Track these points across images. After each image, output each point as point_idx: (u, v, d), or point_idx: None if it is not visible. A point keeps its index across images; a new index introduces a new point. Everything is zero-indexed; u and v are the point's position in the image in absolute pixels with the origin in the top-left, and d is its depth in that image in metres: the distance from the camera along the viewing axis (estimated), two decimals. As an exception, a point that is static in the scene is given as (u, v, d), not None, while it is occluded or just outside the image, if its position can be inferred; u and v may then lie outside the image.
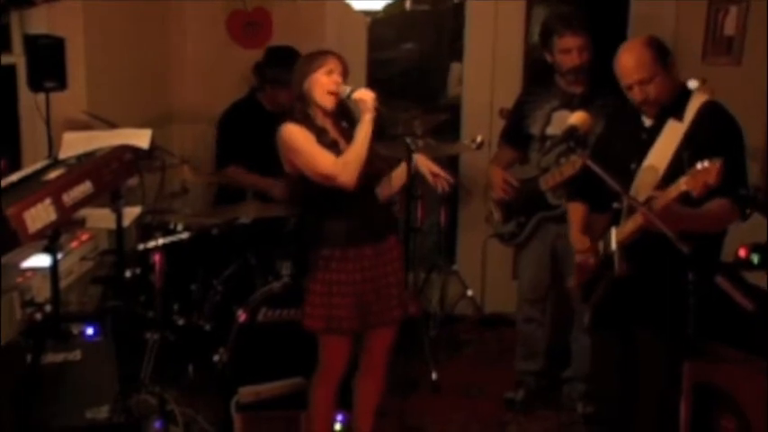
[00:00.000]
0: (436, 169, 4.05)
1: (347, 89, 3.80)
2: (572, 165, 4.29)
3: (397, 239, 4.04)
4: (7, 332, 3.22)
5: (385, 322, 3.96)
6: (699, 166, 3.14)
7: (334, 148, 3.82)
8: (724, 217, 3.50)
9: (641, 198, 3.43)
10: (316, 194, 3.86)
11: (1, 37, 5.02)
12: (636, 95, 3.58)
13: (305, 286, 4.02)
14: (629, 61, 3.58)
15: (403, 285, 4.05)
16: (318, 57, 3.87)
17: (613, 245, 3.58)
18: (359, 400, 4.16)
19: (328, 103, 3.82)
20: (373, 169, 3.94)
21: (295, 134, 3.81)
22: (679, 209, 3.24)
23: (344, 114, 3.95)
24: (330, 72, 3.81)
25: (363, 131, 3.77)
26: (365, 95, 3.76)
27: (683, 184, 3.18)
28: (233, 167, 5.35)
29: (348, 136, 3.88)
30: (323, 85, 3.80)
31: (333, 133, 3.89)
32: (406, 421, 4.04)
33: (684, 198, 3.25)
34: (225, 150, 5.46)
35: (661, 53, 3.57)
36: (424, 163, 4.06)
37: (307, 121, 3.84)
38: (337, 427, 4.29)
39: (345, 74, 3.86)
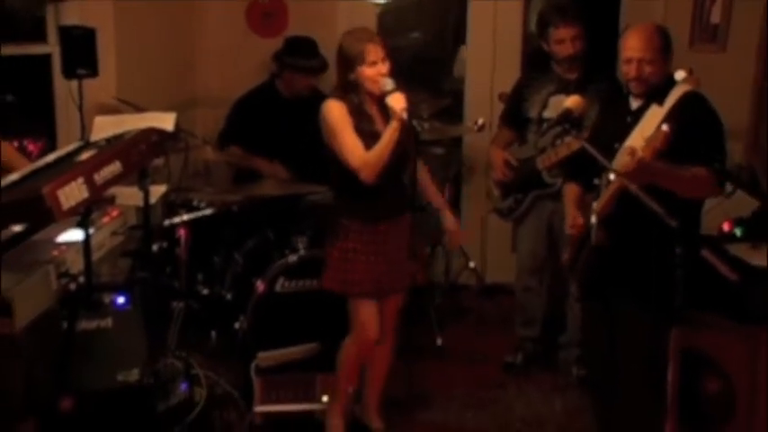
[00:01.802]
0: (455, 230, 4.17)
1: (388, 85, 3.73)
2: (567, 146, 4.28)
3: (409, 216, 4.03)
4: (45, 302, 3.24)
5: (396, 290, 3.98)
6: (652, 134, 3.17)
7: (374, 138, 3.77)
8: (698, 181, 3.48)
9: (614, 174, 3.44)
10: (346, 172, 3.82)
11: (37, 28, 5.03)
12: (631, 70, 3.58)
13: (325, 252, 4.05)
14: (639, 39, 3.58)
15: (412, 255, 4.04)
16: (360, 48, 3.77)
17: (592, 219, 3.60)
18: (370, 364, 4.17)
19: (377, 89, 3.77)
20: (400, 154, 3.87)
21: (335, 114, 3.80)
22: (652, 163, 3.23)
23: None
24: (373, 63, 3.74)
25: (389, 137, 3.71)
26: (396, 104, 3.68)
27: (639, 151, 3.20)
28: (234, 147, 5.36)
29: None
30: (368, 77, 3.75)
31: (378, 122, 3.85)
32: (413, 384, 4.06)
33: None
34: (231, 130, 5.47)
35: (667, 43, 3.60)
36: (450, 219, 4.15)
37: (351, 103, 3.80)
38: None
39: (386, 54, 3.79)
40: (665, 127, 3.16)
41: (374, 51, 3.75)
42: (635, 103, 3.67)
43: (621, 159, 3.50)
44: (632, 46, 3.59)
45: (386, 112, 3.82)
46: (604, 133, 3.63)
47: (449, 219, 4.16)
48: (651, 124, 3.53)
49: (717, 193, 3.65)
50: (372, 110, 3.87)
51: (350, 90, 3.82)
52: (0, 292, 3.01)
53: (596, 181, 3.66)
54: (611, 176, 3.42)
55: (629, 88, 3.65)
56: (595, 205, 3.57)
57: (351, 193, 3.93)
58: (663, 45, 3.58)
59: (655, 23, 3.73)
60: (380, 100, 3.81)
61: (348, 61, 3.79)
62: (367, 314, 3.99)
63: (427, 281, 4.28)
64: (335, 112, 3.80)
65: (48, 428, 3.97)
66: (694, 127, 3.50)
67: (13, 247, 3.41)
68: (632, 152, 3.23)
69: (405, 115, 3.66)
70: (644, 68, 3.56)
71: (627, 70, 3.61)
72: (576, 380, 4.82)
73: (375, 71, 3.75)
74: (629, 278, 3.57)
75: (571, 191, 3.92)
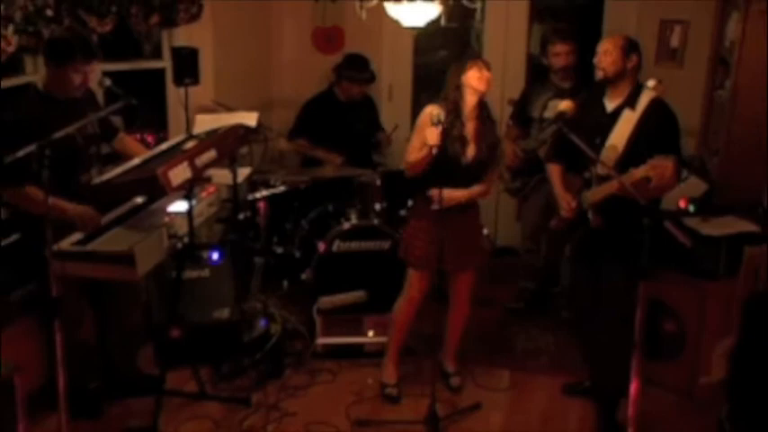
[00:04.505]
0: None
1: (434, 117, 3.59)
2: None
3: (477, 209, 3.94)
4: (159, 256, 3.31)
5: (458, 270, 3.86)
6: (656, 160, 3.15)
7: (459, 142, 3.67)
8: (670, 180, 3.44)
9: (606, 169, 3.42)
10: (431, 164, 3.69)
11: (155, 49, 5.14)
12: (596, 59, 3.59)
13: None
14: (607, 38, 3.63)
15: (479, 241, 3.99)
16: (469, 60, 3.71)
17: (585, 204, 3.60)
18: (449, 324, 4.09)
19: (475, 96, 3.68)
20: (479, 161, 3.77)
21: (425, 116, 3.66)
22: (644, 184, 3.22)
23: (486, 110, 3.77)
24: (480, 68, 3.65)
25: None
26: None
27: (643, 171, 3.18)
28: (301, 140, 5.39)
29: (482, 138, 3.71)
30: (476, 78, 3.64)
31: (469, 128, 3.70)
32: (439, 323, 4.07)
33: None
34: (299, 126, 5.45)
35: (628, 46, 3.56)
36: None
37: (450, 106, 3.66)
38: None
39: (489, 70, 3.69)
40: (671, 159, 3.15)
41: (480, 64, 3.70)
42: (610, 106, 3.62)
43: (608, 154, 3.49)
44: (601, 44, 3.61)
45: (480, 123, 3.74)
46: (583, 128, 3.56)
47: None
48: (627, 126, 3.52)
49: (677, 183, 3.58)
50: (469, 117, 3.72)
51: (454, 92, 3.69)
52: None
53: (587, 175, 3.62)
54: (599, 170, 3.42)
55: (597, 77, 3.62)
56: (590, 195, 3.56)
57: (428, 182, 3.76)
58: (623, 45, 3.54)
59: (626, 34, 3.70)
60: (478, 109, 3.72)
61: (458, 69, 3.70)
62: (418, 281, 3.91)
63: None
64: (426, 115, 3.66)
65: (162, 351, 4.08)
66: (661, 128, 3.49)
67: (136, 214, 3.50)
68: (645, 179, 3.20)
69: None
70: (601, 58, 3.56)
71: (594, 62, 3.61)
72: (564, 322, 4.81)
73: (483, 76, 3.67)
74: (614, 246, 3.55)
75: (555, 171, 3.86)
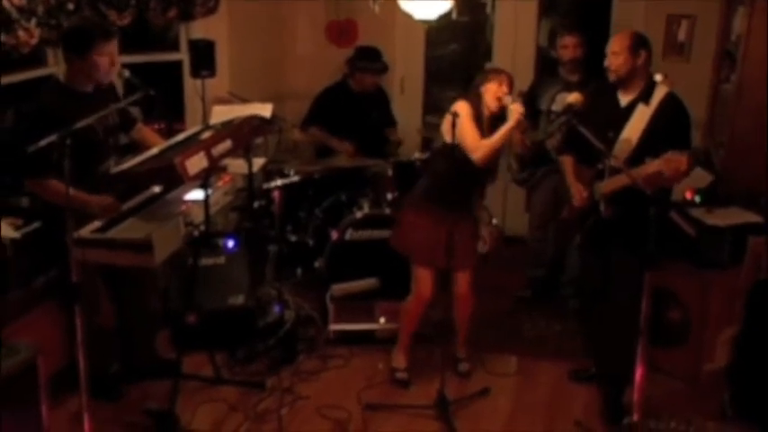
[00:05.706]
0: (486, 236, 4.02)
1: (510, 99, 3.62)
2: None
3: (473, 218, 3.96)
4: (176, 243, 3.31)
5: (456, 268, 3.86)
6: (671, 155, 3.12)
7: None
8: (682, 172, 3.42)
9: (616, 161, 3.39)
10: (441, 162, 3.77)
11: (173, 41, 5.16)
12: (606, 63, 3.56)
13: (399, 217, 4.03)
14: (614, 39, 3.57)
15: (473, 243, 3.97)
16: (494, 73, 3.75)
17: (597, 195, 3.58)
18: (457, 316, 4.07)
19: (493, 105, 3.67)
20: (490, 167, 3.81)
21: (464, 110, 3.65)
22: (657, 177, 3.20)
23: (502, 120, 3.72)
24: (500, 83, 3.66)
25: (504, 130, 3.60)
26: (516, 108, 3.58)
27: (657, 165, 3.15)
28: (315, 128, 5.37)
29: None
30: (493, 91, 3.66)
31: (485, 127, 3.72)
32: (448, 310, 4.07)
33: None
34: (312, 117, 5.44)
35: (636, 44, 3.51)
36: (487, 232, 4.03)
37: (474, 107, 3.69)
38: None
39: (511, 87, 3.70)
40: (685, 154, 3.13)
41: (504, 78, 3.69)
42: (624, 100, 3.59)
43: (622, 147, 3.47)
44: (610, 45, 3.56)
45: (492, 124, 3.73)
46: (596, 120, 3.54)
47: (485, 228, 4.03)
48: (641, 120, 3.50)
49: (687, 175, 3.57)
50: (486, 119, 3.74)
51: (475, 98, 3.70)
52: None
53: (600, 166, 3.58)
54: (612, 162, 3.38)
55: (611, 79, 3.58)
56: (603, 187, 3.54)
57: (436, 180, 3.83)
58: (630, 42, 3.50)
59: (632, 30, 3.66)
60: (494, 115, 3.71)
61: (483, 78, 3.73)
62: (422, 277, 3.90)
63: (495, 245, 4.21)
64: (465, 108, 3.65)
65: (178, 336, 4.10)
66: (674, 122, 3.47)
67: (154, 202, 3.51)
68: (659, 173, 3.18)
69: (521, 118, 3.57)
70: (611, 60, 3.52)
71: (606, 64, 3.57)
72: (571, 310, 4.80)
73: (500, 89, 3.66)
74: (624, 236, 3.53)
75: (568, 162, 3.84)
